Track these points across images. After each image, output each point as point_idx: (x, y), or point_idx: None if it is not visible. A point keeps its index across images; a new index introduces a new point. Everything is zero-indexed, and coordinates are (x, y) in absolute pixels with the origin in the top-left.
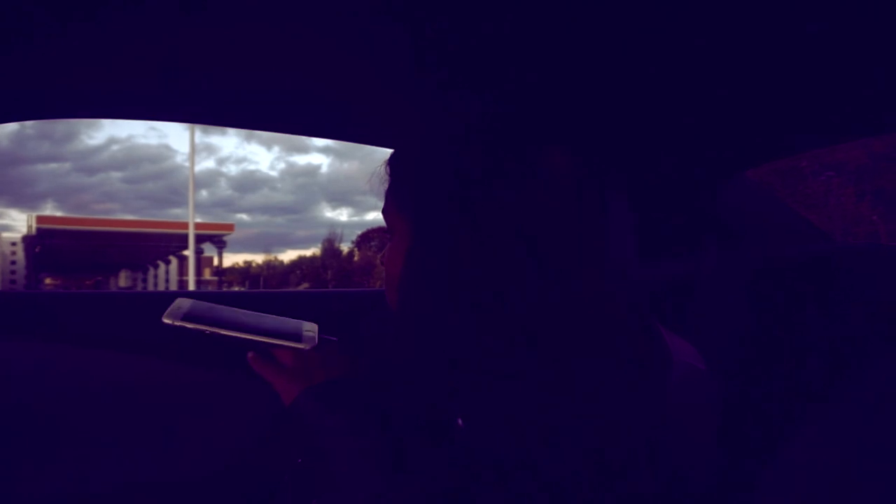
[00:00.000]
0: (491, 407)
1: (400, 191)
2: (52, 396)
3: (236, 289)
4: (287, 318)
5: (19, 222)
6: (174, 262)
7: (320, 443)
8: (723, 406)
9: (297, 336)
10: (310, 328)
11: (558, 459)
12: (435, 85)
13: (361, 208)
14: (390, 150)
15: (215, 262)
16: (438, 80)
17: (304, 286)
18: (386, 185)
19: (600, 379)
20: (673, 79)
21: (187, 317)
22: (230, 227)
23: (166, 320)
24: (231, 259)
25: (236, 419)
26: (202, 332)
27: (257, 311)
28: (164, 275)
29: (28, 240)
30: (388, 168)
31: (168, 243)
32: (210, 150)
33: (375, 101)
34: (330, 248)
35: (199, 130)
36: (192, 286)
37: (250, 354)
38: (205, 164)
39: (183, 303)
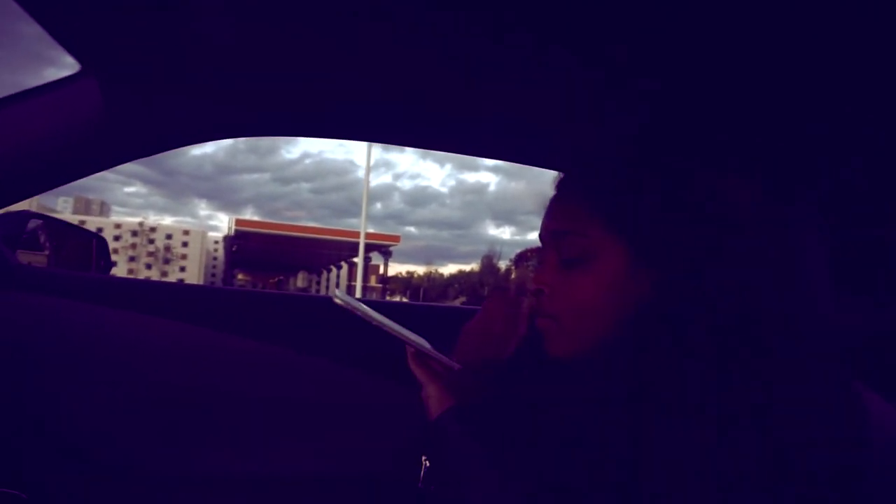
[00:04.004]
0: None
1: (610, 204)
2: (217, 382)
3: (398, 298)
4: (414, 333)
5: (224, 224)
6: (345, 267)
7: (456, 462)
8: None
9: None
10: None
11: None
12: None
13: (524, 228)
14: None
15: (381, 270)
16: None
17: (460, 300)
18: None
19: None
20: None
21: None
22: (397, 239)
23: (338, 301)
24: (395, 268)
25: (381, 422)
26: (369, 320)
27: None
28: (336, 278)
29: (227, 239)
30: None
31: (341, 250)
32: (388, 165)
33: (552, 124)
34: (488, 265)
35: (378, 147)
36: (358, 291)
37: (411, 351)
38: (382, 179)
39: (344, 294)
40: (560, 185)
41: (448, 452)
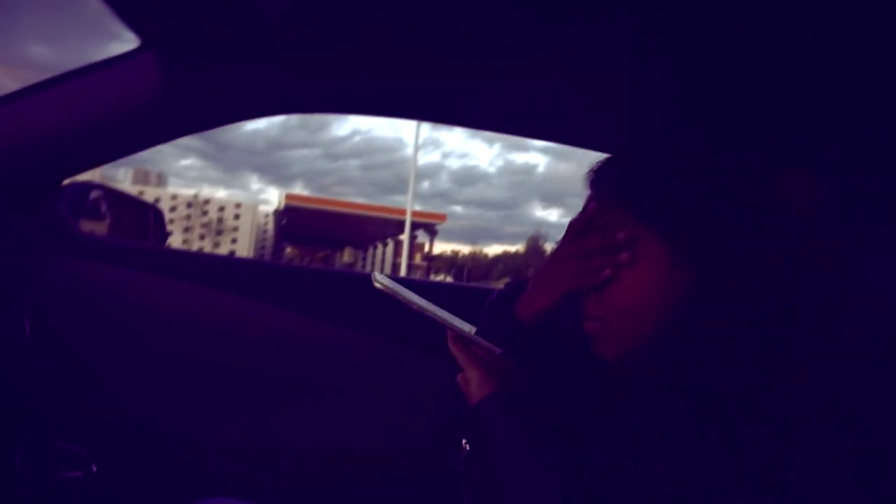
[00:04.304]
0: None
1: (646, 198)
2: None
3: (442, 276)
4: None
5: (274, 198)
6: (390, 244)
7: (494, 448)
8: None
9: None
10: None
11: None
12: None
13: (572, 210)
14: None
15: (426, 248)
16: (669, 88)
17: (504, 281)
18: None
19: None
20: None
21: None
22: (443, 217)
23: (377, 284)
24: (440, 247)
25: (424, 400)
26: (409, 304)
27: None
28: (381, 255)
29: (278, 213)
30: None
31: (387, 227)
32: (436, 144)
33: (604, 108)
34: (534, 247)
35: (427, 126)
36: (403, 268)
37: (451, 334)
38: (430, 158)
39: (384, 277)
40: (595, 187)
41: (486, 438)
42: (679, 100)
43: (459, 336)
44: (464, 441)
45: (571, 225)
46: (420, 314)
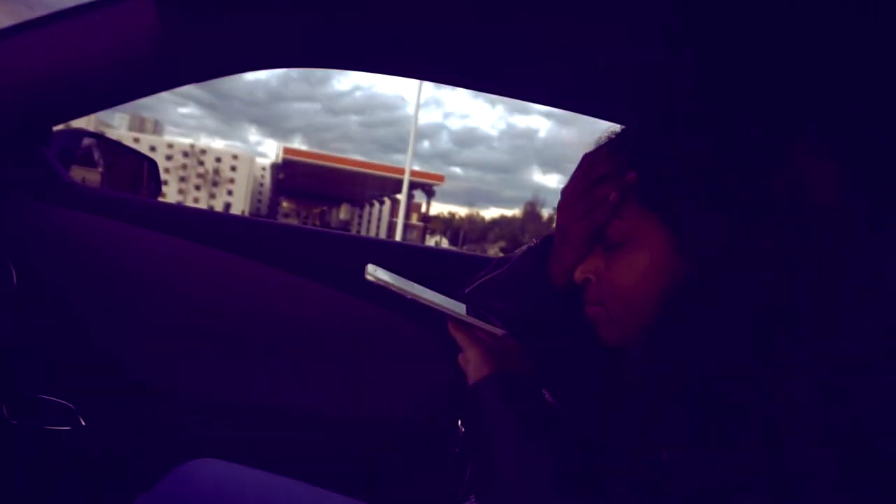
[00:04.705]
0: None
1: (656, 185)
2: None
3: (437, 237)
4: (452, 300)
5: (272, 151)
6: (387, 203)
7: (490, 431)
8: None
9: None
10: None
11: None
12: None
13: None
14: (611, 123)
15: (423, 208)
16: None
17: (500, 244)
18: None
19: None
20: None
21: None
22: (440, 178)
23: (370, 277)
24: (437, 208)
25: (422, 370)
26: (404, 294)
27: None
28: (378, 213)
29: (275, 167)
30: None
31: (385, 186)
32: (438, 103)
33: (611, 75)
34: (531, 212)
35: (430, 84)
36: (399, 228)
37: (450, 320)
38: (431, 117)
39: (376, 269)
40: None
41: (483, 421)
42: (695, 85)
43: (459, 320)
44: (459, 422)
45: (584, 158)
46: (416, 303)
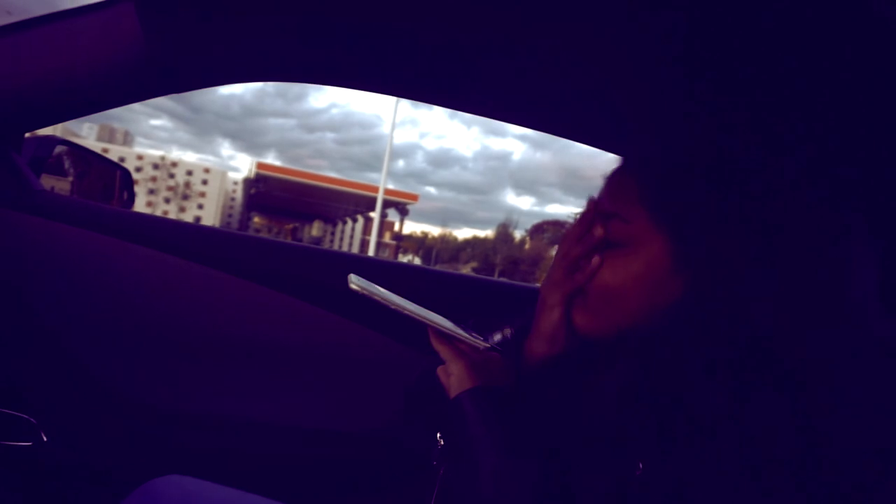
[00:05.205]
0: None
1: (656, 194)
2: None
3: (410, 256)
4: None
5: (244, 166)
6: (360, 221)
7: (470, 445)
8: None
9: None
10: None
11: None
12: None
13: (544, 199)
14: (585, 147)
15: (396, 227)
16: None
17: (471, 265)
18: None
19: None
20: None
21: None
22: (415, 197)
23: (354, 286)
24: (410, 227)
25: (396, 384)
26: (387, 304)
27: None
28: (350, 231)
29: (247, 182)
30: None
31: (358, 204)
32: (414, 123)
33: (589, 98)
34: (503, 233)
35: (407, 104)
36: (372, 246)
37: (432, 331)
38: (407, 137)
39: (359, 279)
40: (618, 167)
41: (463, 434)
42: (683, 99)
43: (442, 333)
44: (438, 435)
45: (566, 234)
46: (399, 314)
